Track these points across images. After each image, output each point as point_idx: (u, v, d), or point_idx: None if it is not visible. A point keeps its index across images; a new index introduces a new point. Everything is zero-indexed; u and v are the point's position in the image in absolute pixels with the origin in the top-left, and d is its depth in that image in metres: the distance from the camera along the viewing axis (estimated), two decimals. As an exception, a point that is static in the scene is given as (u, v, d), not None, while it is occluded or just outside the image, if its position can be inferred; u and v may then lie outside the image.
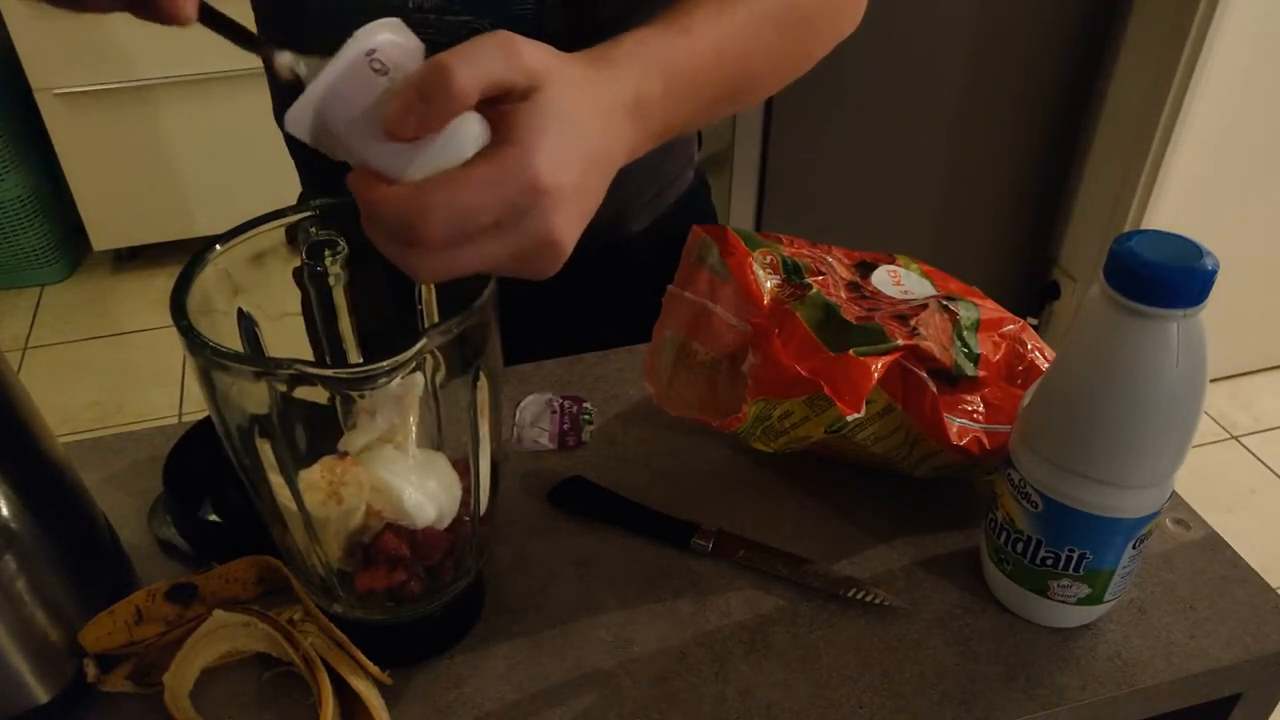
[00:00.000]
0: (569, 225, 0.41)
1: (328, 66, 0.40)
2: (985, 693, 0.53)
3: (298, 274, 0.50)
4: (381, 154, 0.41)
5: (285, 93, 0.78)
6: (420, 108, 0.38)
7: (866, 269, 0.66)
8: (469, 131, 0.40)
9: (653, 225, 0.83)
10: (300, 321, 0.52)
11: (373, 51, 0.40)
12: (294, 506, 0.46)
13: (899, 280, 0.65)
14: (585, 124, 0.42)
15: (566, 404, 0.71)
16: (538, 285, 0.65)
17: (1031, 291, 2.17)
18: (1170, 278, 0.44)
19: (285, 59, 0.43)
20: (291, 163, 0.79)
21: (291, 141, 0.79)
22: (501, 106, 0.41)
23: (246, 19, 0.73)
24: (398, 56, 0.41)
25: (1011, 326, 0.63)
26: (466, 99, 0.39)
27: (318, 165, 0.79)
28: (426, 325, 0.52)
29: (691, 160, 0.87)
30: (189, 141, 2.26)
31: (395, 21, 0.41)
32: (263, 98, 0.74)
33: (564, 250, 0.42)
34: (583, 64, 0.44)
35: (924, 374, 0.57)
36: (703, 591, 0.58)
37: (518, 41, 0.41)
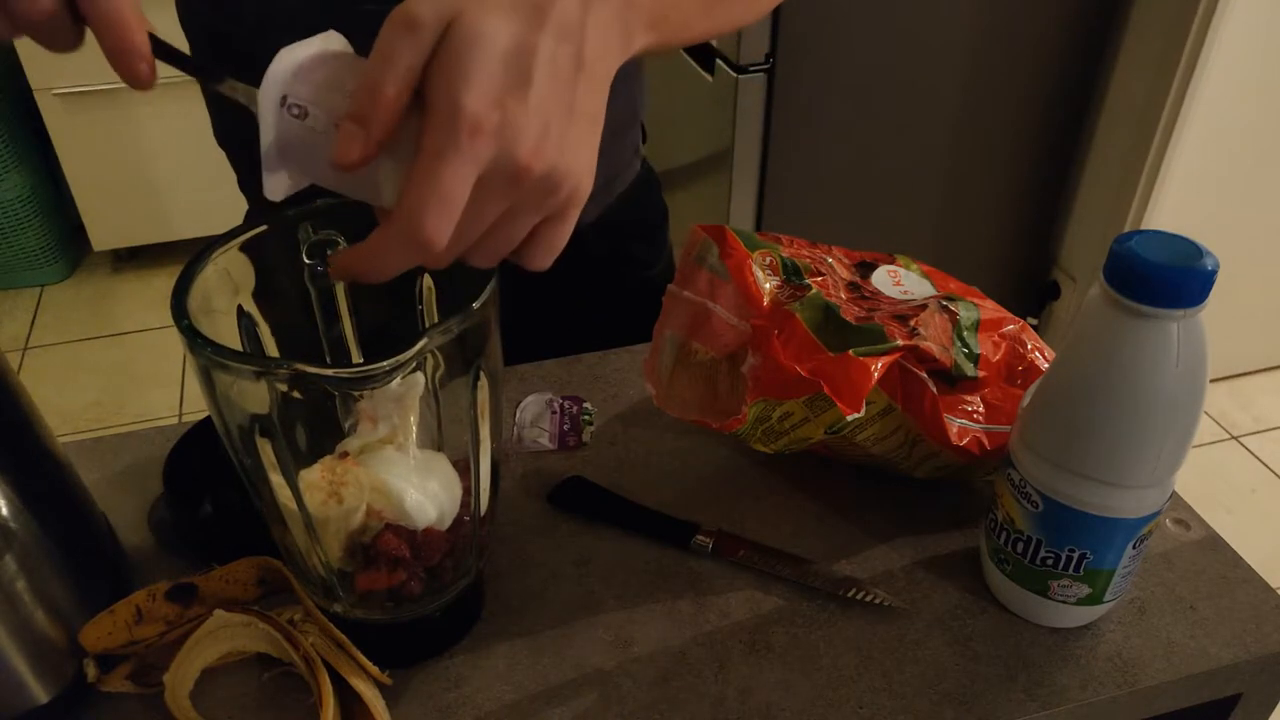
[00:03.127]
0: (551, 144, 0.38)
1: (261, 131, 0.39)
2: (985, 693, 0.53)
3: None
4: (351, 184, 0.40)
5: (222, 112, 0.77)
6: (362, 134, 0.37)
7: (866, 269, 0.66)
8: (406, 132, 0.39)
9: (602, 216, 0.83)
10: (301, 321, 0.52)
11: (284, 99, 0.39)
12: (294, 506, 0.46)
13: (899, 280, 0.65)
14: (507, 30, 0.38)
15: (566, 404, 0.71)
16: (533, 283, 0.65)
17: (1031, 291, 2.17)
18: (1170, 278, 0.44)
19: (230, 86, 0.42)
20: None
21: (232, 160, 0.79)
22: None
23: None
24: (306, 90, 0.39)
25: (1011, 326, 0.63)
26: (400, 105, 0.38)
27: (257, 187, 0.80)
28: (426, 325, 0.52)
29: (638, 151, 0.87)
30: (189, 142, 2.26)
31: (297, 44, 0.40)
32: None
33: (561, 172, 0.39)
34: None
35: (924, 374, 0.57)
36: (703, 591, 0.58)
37: (410, 6, 0.38)
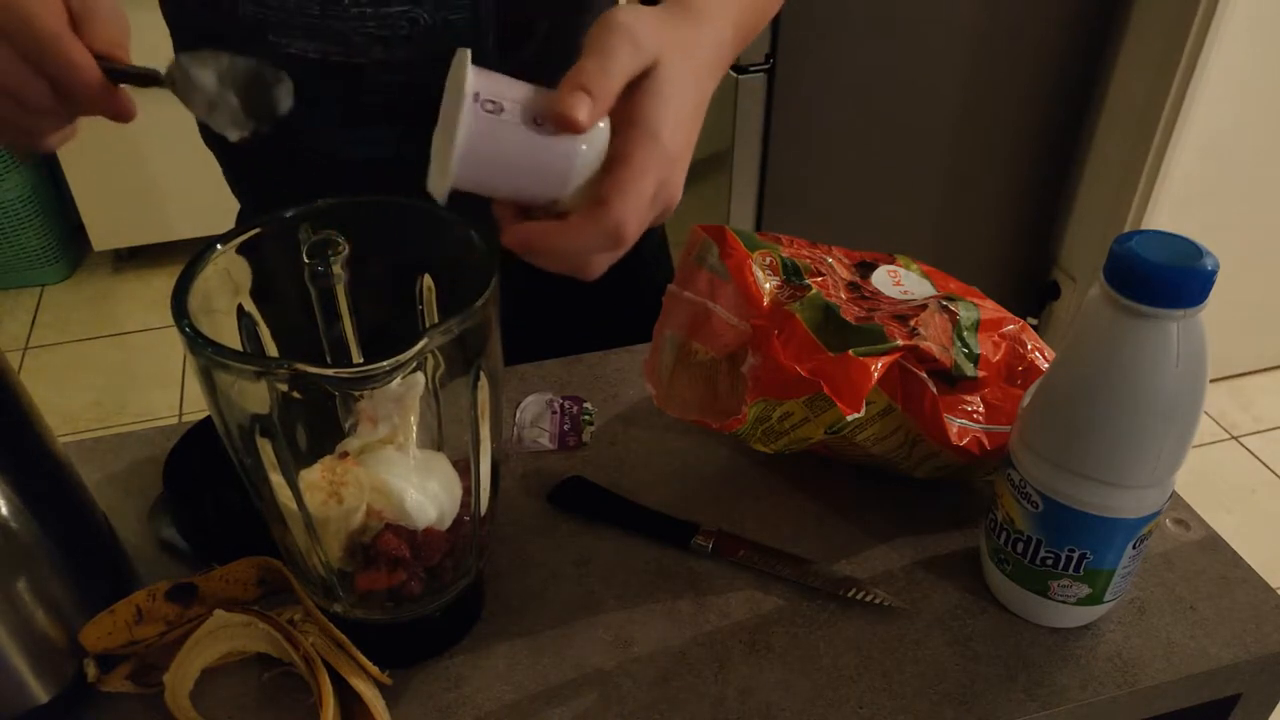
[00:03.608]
0: (684, 176, 0.48)
1: (457, 136, 0.42)
2: (985, 693, 0.53)
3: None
4: (535, 184, 0.44)
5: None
6: (589, 102, 0.43)
7: (866, 269, 0.66)
8: (601, 132, 0.45)
9: None
10: (301, 321, 0.52)
11: (477, 95, 0.42)
12: (294, 506, 0.46)
13: (899, 280, 0.65)
14: (690, 88, 0.48)
15: (566, 404, 0.71)
16: (541, 283, 0.65)
17: (1031, 291, 2.17)
18: (1170, 278, 0.44)
19: (176, 68, 0.47)
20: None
21: (219, 159, 0.80)
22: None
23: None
24: (495, 86, 0.43)
25: (1011, 326, 0.63)
26: (617, 94, 0.44)
27: (250, 179, 0.81)
28: (426, 325, 0.52)
29: None
30: (189, 141, 2.26)
31: (461, 57, 0.44)
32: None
33: (676, 200, 0.48)
34: (682, 26, 0.49)
35: (924, 374, 0.57)
36: (703, 591, 0.58)
37: (636, 30, 0.46)
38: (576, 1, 0.71)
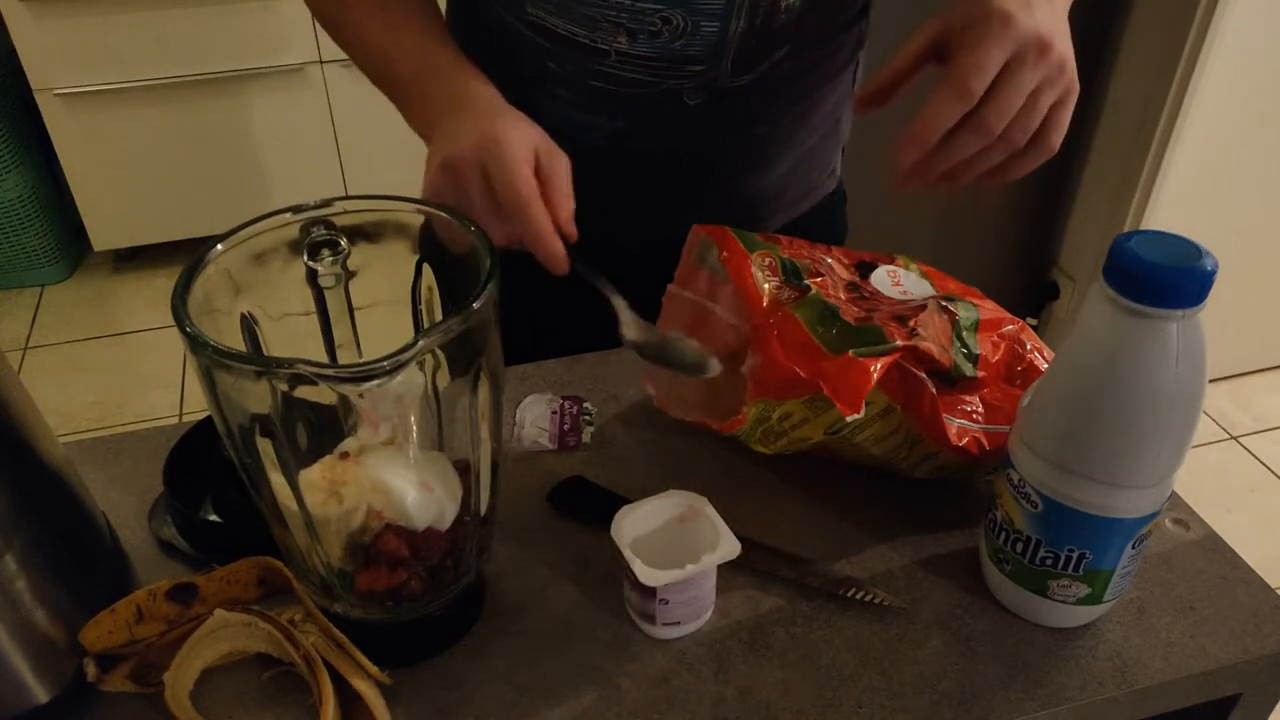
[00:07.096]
0: (1057, 36, 0.54)
1: None
2: (985, 693, 0.53)
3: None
4: None
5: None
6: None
7: (866, 269, 0.66)
8: None
9: (785, 228, 0.85)
10: (301, 321, 0.52)
11: None
12: (295, 506, 0.46)
13: (898, 281, 0.65)
14: None
15: (566, 404, 0.71)
16: (541, 283, 0.64)
17: (1031, 291, 2.17)
18: (1170, 278, 0.44)
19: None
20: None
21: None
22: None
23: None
24: None
25: (1011, 327, 0.63)
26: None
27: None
28: (426, 325, 0.52)
29: (834, 172, 0.90)
30: (189, 141, 2.26)
31: None
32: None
33: (1067, 57, 0.55)
34: None
35: (923, 375, 0.57)
36: (703, 591, 0.58)
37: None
38: (819, 34, 0.72)
